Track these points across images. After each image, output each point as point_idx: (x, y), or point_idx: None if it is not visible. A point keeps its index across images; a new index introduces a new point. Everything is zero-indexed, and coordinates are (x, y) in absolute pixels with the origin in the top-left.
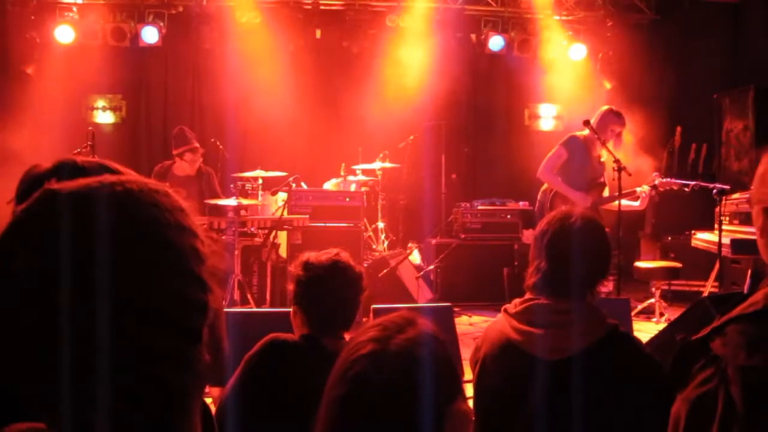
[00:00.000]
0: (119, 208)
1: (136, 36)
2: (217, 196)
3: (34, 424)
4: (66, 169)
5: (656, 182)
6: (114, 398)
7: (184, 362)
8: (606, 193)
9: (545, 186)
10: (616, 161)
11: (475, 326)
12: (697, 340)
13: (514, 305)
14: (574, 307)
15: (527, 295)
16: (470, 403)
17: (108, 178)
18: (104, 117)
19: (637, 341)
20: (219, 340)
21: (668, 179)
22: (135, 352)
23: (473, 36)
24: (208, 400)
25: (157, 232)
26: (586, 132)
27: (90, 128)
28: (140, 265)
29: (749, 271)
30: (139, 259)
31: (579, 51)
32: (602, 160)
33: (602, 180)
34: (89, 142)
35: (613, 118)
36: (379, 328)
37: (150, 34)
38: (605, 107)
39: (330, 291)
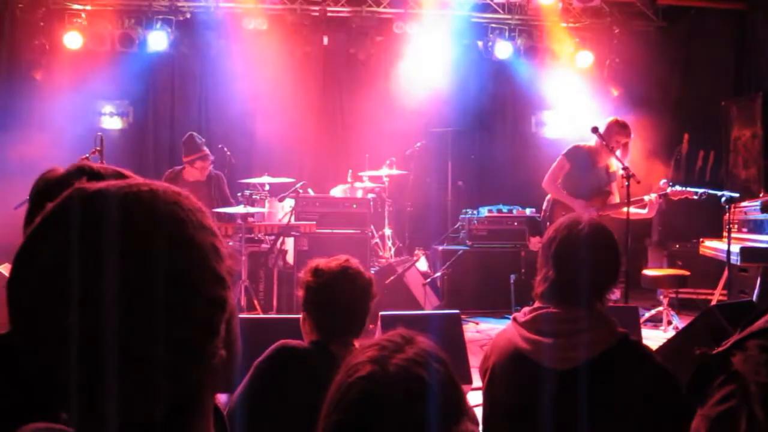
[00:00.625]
0: (143, 205)
1: (144, 42)
2: (228, 200)
3: (51, 424)
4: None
5: (668, 190)
6: (128, 389)
7: (201, 355)
8: (617, 200)
9: (549, 195)
10: (625, 169)
11: (482, 333)
12: (717, 354)
13: (523, 314)
14: (584, 315)
15: (536, 304)
16: (479, 411)
17: (133, 180)
18: (112, 123)
19: (647, 350)
20: (234, 339)
21: (679, 188)
22: (153, 343)
23: (480, 43)
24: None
25: (179, 229)
26: (592, 142)
27: (99, 133)
28: (163, 259)
29: (758, 279)
30: (162, 253)
31: (586, 58)
32: (611, 170)
33: (608, 188)
34: (97, 147)
35: (618, 128)
36: (376, 348)
37: (158, 41)
38: (611, 118)
39: (339, 297)
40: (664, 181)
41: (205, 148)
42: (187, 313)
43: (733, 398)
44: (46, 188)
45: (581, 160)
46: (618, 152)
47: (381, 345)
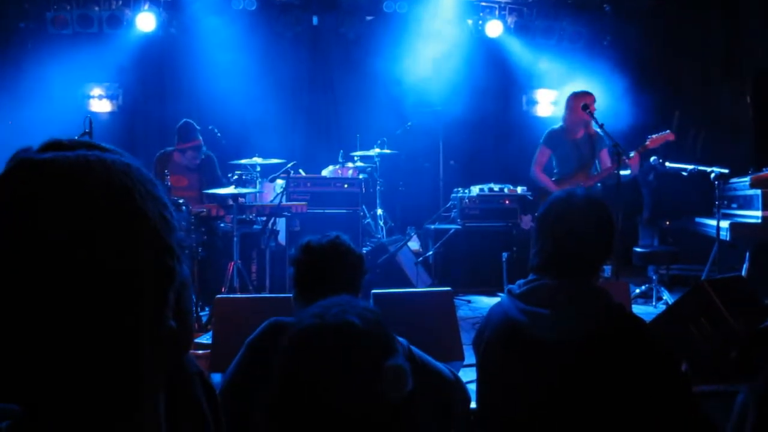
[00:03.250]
0: (92, 174)
1: (132, 23)
2: (219, 181)
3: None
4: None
5: (646, 142)
6: (71, 358)
7: (146, 323)
8: (599, 167)
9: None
10: (615, 145)
11: (474, 311)
12: (765, 329)
13: (518, 286)
14: (579, 287)
15: (531, 277)
16: (472, 387)
17: (86, 151)
18: (101, 105)
19: (643, 323)
20: (187, 312)
21: (655, 135)
22: (97, 311)
23: (470, 21)
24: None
25: (127, 198)
26: (561, 122)
27: (87, 116)
28: (108, 227)
29: (747, 254)
30: (109, 222)
31: (577, 36)
32: (593, 137)
33: (590, 161)
34: (87, 130)
35: (578, 98)
36: (320, 307)
37: (146, 22)
38: (569, 94)
39: (330, 273)
40: (654, 157)
41: (199, 137)
42: (132, 282)
43: None
44: None
45: (558, 141)
46: (599, 126)
47: (323, 305)
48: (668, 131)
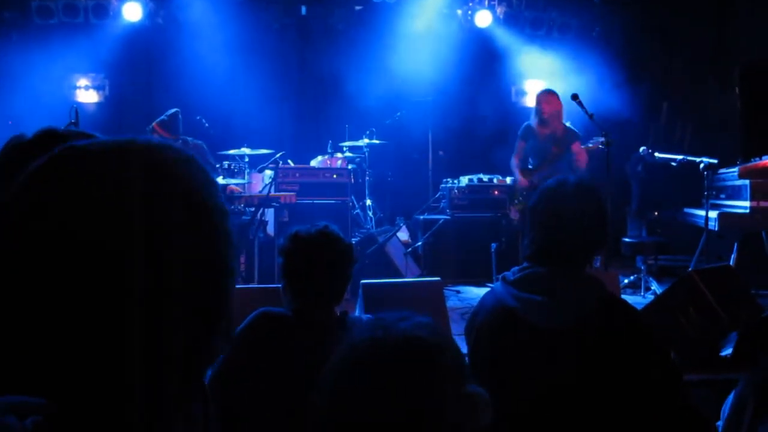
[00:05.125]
0: (162, 167)
1: (119, 13)
2: (212, 170)
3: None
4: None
5: (589, 145)
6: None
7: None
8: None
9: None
10: (605, 134)
11: (463, 301)
12: (764, 320)
13: (512, 273)
14: (573, 275)
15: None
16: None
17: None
18: (87, 96)
19: (634, 311)
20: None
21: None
22: (187, 309)
23: (460, 11)
24: None
25: (205, 193)
26: (535, 117)
27: (74, 106)
28: (193, 220)
29: (735, 244)
30: (192, 213)
31: (566, 27)
32: (560, 136)
33: (553, 156)
34: (72, 120)
35: (540, 98)
36: (375, 319)
37: (132, 12)
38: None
39: (319, 262)
40: (644, 148)
41: (176, 134)
42: (212, 281)
43: None
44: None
45: (529, 135)
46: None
47: (379, 317)
48: (671, 156)
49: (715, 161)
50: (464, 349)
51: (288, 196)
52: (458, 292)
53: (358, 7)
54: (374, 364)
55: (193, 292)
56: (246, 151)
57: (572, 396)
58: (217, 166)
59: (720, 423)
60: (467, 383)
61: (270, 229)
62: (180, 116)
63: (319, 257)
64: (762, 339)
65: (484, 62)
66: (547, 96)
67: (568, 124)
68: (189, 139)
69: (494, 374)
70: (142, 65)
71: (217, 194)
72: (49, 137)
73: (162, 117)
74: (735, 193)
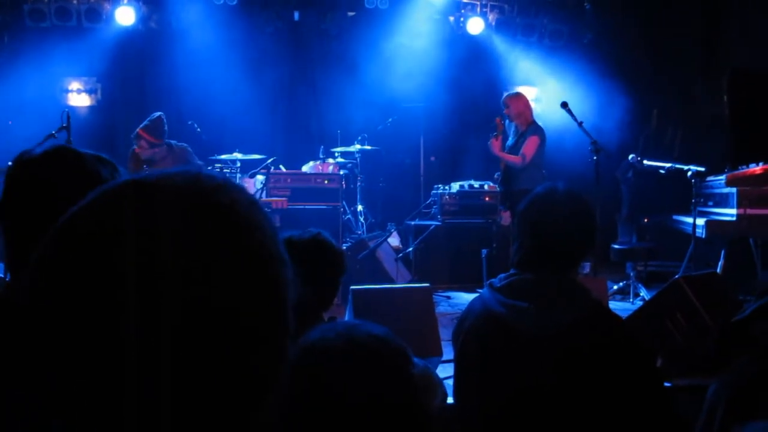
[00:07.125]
0: (233, 196)
1: (112, 17)
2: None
3: None
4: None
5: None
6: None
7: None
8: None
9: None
10: (594, 142)
11: (454, 307)
12: (737, 322)
13: (499, 280)
14: (559, 282)
15: (512, 271)
16: (449, 384)
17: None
18: (79, 100)
19: (620, 319)
20: None
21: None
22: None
23: (452, 18)
24: None
25: (269, 239)
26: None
27: (65, 110)
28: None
29: (723, 251)
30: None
31: (558, 34)
32: (520, 137)
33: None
34: (64, 124)
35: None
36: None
37: (125, 16)
38: None
39: (312, 270)
40: (633, 155)
41: (160, 138)
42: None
43: (754, 366)
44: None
45: (505, 131)
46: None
47: (326, 327)
48: (660, 163)
49: (703, 169)
50: (451, 355)
51: (279, 201)
52: (449, 297)
53: (350, 13)
54: (324, 360)
55: (240, 358)
56: (237, 155)
57: (556, 402)
58: (209, 170)
59: None
60: (412, 366)
61: None
62: (164, 120)
63: (311, 264)
64: (734, 341)
65: (475, 68)
66: (507, 98)
67: (539, 123)
68: (173, 142)
69: (480, 379)
70: (135, 69)
71: (278, 241)
72: (58, 156)
73: (146, 122)
74: (722, 201)
